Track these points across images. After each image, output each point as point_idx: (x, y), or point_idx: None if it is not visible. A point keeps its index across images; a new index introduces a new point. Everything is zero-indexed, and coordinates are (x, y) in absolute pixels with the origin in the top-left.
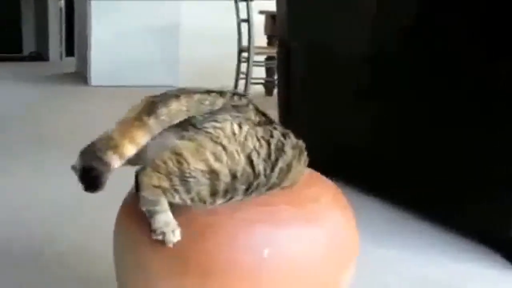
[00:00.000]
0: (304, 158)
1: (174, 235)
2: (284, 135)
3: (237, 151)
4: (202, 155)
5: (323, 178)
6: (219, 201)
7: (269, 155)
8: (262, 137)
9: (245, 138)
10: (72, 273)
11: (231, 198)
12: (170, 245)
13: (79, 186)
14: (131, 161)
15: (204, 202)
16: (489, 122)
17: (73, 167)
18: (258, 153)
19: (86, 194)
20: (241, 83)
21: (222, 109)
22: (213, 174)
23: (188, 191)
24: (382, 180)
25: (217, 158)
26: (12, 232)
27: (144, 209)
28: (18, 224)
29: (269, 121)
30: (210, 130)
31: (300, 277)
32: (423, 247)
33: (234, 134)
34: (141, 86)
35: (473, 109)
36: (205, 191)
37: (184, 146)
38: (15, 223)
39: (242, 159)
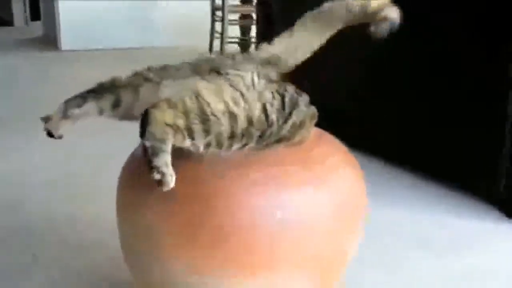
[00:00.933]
0: (315, 120)
1: (172, 180)
2: (297, 93)
3: (253, 99)
4: (221, 97)
5: (332, 137)
6: (236, 145)
7: (283, 107)
8: (277, 90)
9: (262, 89)
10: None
11: (245, 145)
12: (167, 189)
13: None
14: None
15: (221, 147)
16: (480, 78)
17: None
18: (272, 104)
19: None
20: (216, 43)
21: (246, 59)
22: (232, 116)
23: (206, 131)
24: (369, 135)
25: (236, 103)
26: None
27: (148, 144)
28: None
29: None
30: (231, 76)
31: (311, 238)
32: (417, 204)
33: (253, 84)
34: (115, 48)
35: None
36: (224, 133)
37: (204, 86)
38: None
39: (258, 107)
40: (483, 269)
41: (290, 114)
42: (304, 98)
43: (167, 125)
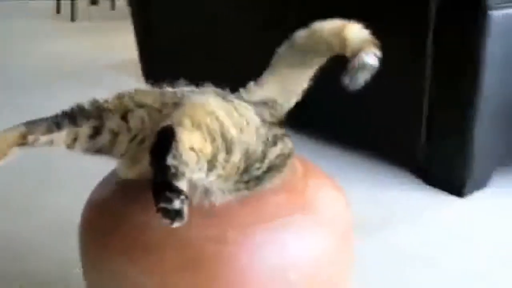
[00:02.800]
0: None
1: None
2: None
3: (253, 132)
4: (233, 120)
5: (315, 167)
6: (245, 178)
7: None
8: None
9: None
10: None
11: (248, 182)
12: (180, 224)
13: None
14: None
15: (228, 182)
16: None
17: None
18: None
19: None
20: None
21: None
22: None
23: (227, 159)
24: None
25: (243, 130)
26: None
27: (171, 163)
28: None
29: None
30: (236, 104)
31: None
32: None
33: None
34: None
35: None
36: (240, 163)
37: (218, 104)
38: None
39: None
40: (423, 242)
41: (275, 144)
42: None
43: (192, 150)
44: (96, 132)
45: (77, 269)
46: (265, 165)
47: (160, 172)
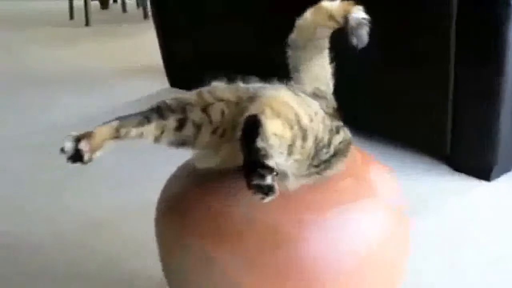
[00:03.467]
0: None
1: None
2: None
3: (319, 121)
4: (304, 110)
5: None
6: (315, 162)
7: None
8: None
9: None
10: None
11: (318, 166)
12: (272, 198)
13: None
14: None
15: (302, 166)
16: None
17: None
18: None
19: None
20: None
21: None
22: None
23: (303, 145)
24: None
25: (311, 120)
26: None
27: (261, 145)
28: None
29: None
30: (304, 97)
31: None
32: None
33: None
34: None
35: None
36: (312, 149)
37: (290, 96)
38: None
39: (321, 129)
40: (453, 226)
41: (338, 132)
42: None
43: (274, 135)
44: (181, 124)
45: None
46: (331, 150)
47: (252, 153)
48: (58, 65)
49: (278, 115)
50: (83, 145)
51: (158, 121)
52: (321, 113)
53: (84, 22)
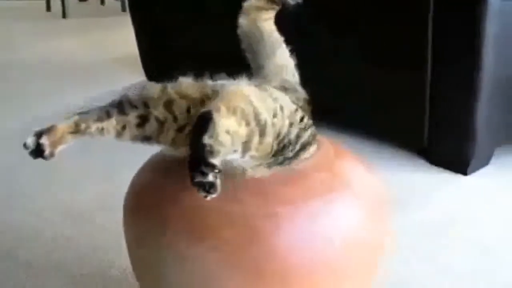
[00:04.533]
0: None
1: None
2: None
3: (286, 116)
4: (265, 106)
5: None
6: (279, 160)
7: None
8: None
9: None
10: None
11: (282, 162)
12: (213, 196)
13: None
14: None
15: (261, 162)
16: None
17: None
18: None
19: None
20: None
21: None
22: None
23: (260, 142)
24: None
25: (276, 115)
26: None
27: (207, 142)
28: None
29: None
30: (271, 91)
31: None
32: None
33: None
34: None
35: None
36: (273, 145)
37: (251, 91)
38: None
39: (286, 124)
40: (431, 220)
41: (308, 127)
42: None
43: (227, 133)
44: (143, 120)
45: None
46: (298, 146)
47: (196, 150)
48: (35, 57)
49: (234, 111)
50: (44, 140)
51: (119, 116)
52: (289, 107)
53: (61, 15)
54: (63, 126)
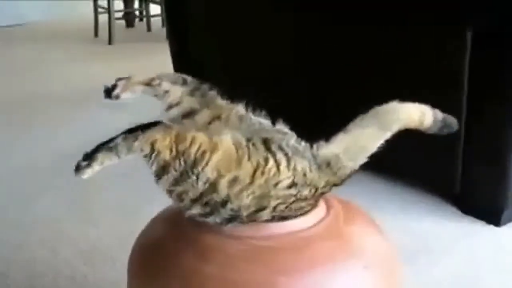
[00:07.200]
0: None
1: (88, 175)
2: None
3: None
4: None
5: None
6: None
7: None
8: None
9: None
10: None
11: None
12: (79, 176)
13: None
14: None
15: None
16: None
17: None
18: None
19: None
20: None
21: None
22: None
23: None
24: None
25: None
26: None
27: (118, 141)
28: None
29: None
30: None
31: None
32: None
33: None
34: None
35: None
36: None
37: (226, 145)
38: None
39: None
40: (459, 273)
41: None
42: None
43: (151, 144)
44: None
45: None
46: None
47: (110, 140)
48: (81, 82)
49: (178, 139)
50: (119, 82)
51: (193, 85)
52: (286, 175)
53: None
54: (139, 77)
